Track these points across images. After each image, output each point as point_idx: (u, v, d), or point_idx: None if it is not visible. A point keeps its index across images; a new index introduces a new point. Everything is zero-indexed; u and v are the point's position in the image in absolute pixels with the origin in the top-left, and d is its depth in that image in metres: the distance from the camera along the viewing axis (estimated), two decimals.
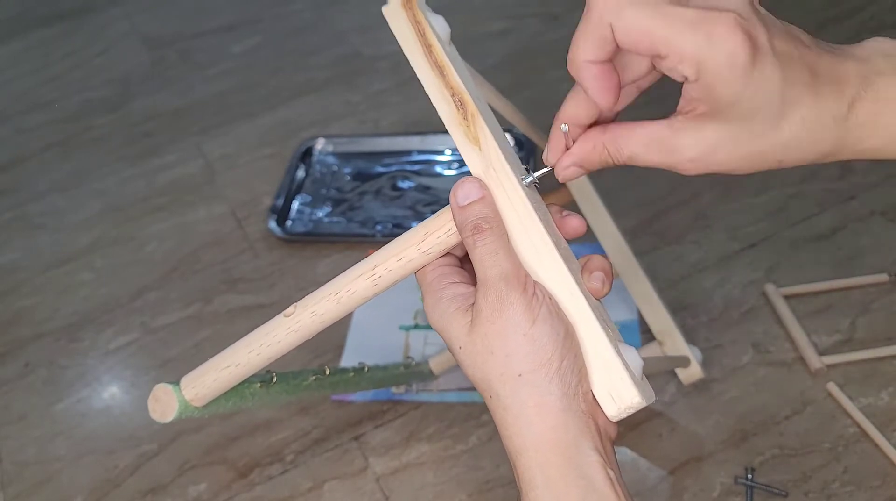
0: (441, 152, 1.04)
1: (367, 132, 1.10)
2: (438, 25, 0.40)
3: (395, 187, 1.01)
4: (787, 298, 0.78)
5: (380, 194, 1.00)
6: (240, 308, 0.88)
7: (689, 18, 0.31)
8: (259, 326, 0.84)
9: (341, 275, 0.42)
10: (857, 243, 0.83)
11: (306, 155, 1.06)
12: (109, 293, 0.92)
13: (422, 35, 0.39)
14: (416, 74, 0.39)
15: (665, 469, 0.67)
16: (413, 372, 0.71)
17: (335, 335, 0.82)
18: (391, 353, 0.80)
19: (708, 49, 0.31)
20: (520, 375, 0.35)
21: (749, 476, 0.65)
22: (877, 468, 0.65)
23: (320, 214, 0.99)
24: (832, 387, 0.71)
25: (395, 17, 0.40)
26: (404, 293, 0.85)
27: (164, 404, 0.43)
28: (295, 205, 1.00)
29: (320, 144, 1.07)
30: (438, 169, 1.02)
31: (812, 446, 0.67)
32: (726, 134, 0.33)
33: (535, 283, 0.37)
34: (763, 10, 0.33)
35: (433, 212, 1.02)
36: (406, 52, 0.40)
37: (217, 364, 0.43)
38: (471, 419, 0.73)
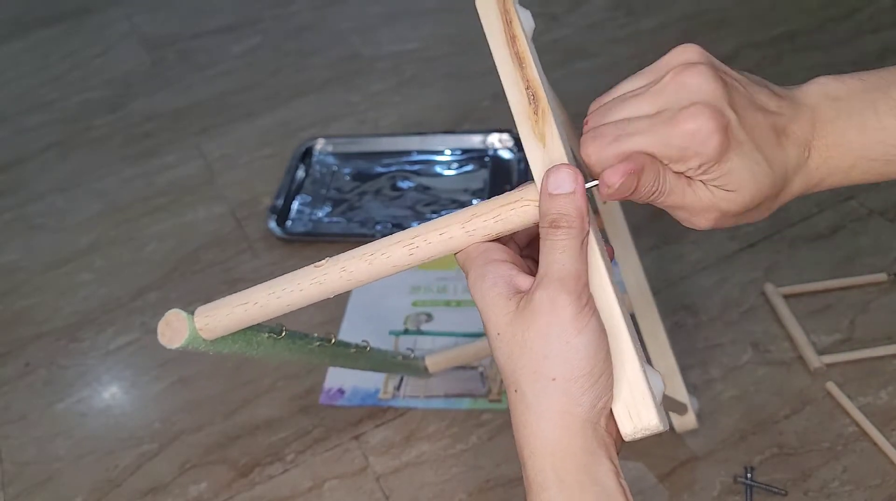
0: (441, 152, 1.04)
1: (366, 132, 1.10)
2: (524, 19, 0.40)
3: (394, 187, 1.01)
4: (787, 297, 0.78)
5: (379, 194, 1.00)
6: None
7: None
8: None
9: (379, 240, 0.41)
10: (855, 243, 0.83)
11: (306, 155, 1.06)
12: (109, 294, 0.92)
13: (508, 24, 0.39)
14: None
15: (665, 467, 0.67)
16: (409, 365, 0.71)
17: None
18: None
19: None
20: (554, 379, 0.35)
21: (748, 475, 0.65)
22: (876, 467, 0.65)
23: (320, 214, 0.99)
24: (831, 386, 0.71)
25: (485, 1, 0.40)
26: (395, 298, 0.86)
27: (175, 330, 0.44)
28: (295, 205, 1.00)
29: (320, 145, 1.07)
30: (438, 169, 1.03)
31: (811, 445, 0.67)
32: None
33: (590, 295, 0.36)
34: (733, 80, 0.37)
35: (433, 212, 1.02)
36: (489, 38, 0.39)
37: (234, 300, 0.43)
38: (471, 418, 0.73)
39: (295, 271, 0.42)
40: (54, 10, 1.49)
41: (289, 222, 0.98)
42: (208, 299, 0.95)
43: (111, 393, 0.82)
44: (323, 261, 0.41)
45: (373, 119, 1.13)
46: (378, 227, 0.95)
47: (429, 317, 0.84)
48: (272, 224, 0.95)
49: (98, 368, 0.84)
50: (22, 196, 1.09)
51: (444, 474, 0.70)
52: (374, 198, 1.00)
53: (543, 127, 0.38)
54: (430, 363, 0.75)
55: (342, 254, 0.41)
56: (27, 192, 1.09)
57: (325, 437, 0.74)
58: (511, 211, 0.39)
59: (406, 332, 0.83)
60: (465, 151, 1.04)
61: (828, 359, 0.72)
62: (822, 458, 0.66)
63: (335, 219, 0.98)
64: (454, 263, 0.98)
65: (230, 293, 0.98)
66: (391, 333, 0.83)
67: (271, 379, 0.79)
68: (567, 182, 0.36)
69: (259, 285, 0.43)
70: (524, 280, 0.37)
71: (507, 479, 0.68)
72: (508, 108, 0.39)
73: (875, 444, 0.66)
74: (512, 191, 0.40)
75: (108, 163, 1.12)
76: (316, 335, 0.55)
